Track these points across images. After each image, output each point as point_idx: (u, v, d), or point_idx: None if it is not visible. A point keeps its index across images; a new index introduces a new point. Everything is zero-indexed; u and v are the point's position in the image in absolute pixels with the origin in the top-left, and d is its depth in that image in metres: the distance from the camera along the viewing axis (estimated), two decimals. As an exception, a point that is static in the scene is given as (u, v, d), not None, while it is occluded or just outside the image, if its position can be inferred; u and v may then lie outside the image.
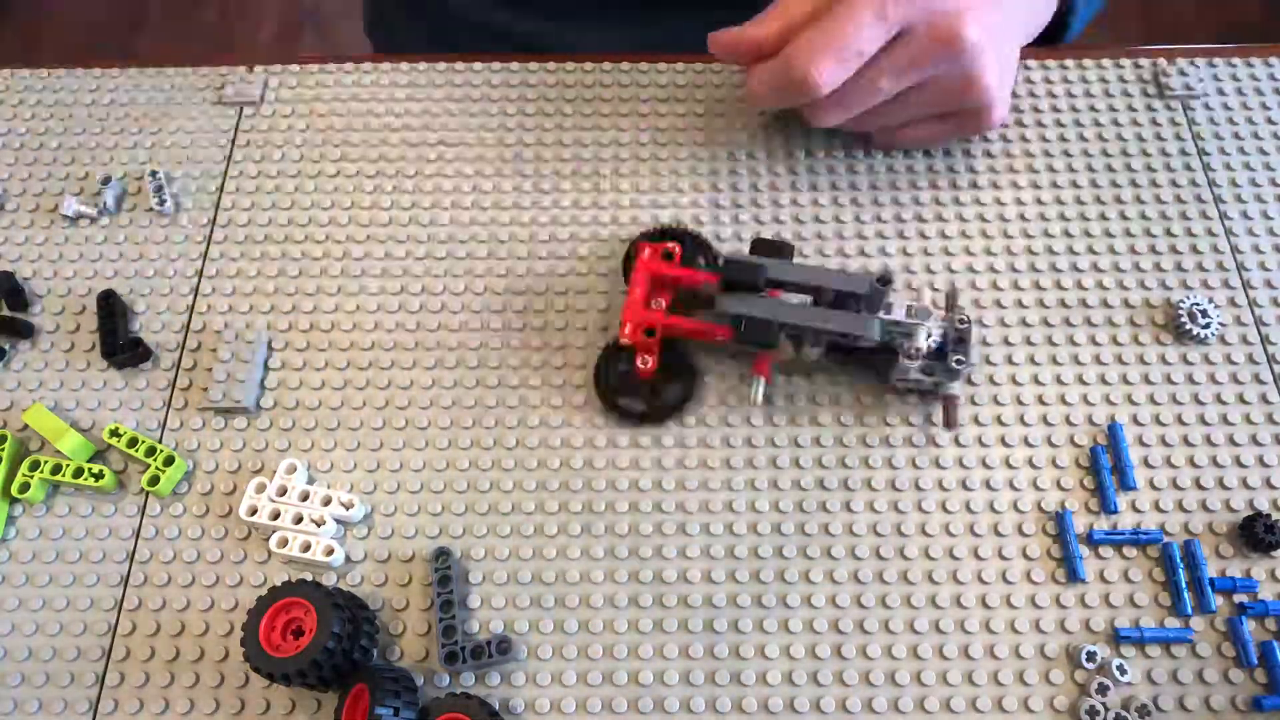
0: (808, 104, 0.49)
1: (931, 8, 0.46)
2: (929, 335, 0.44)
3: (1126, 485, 0.45)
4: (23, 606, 0.43)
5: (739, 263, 0.45)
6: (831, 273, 0.45)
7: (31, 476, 0.44)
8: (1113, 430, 0.46)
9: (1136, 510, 0.45)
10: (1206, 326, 0.48)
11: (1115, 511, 0.44)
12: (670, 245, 0.47)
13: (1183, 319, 0.48)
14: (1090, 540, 0.44)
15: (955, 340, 0.44)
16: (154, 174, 0.53)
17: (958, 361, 0.44)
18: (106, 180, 0.53)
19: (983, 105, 0.49)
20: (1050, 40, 0.59)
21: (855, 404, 0.47)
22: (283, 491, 0.44)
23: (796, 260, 0.48)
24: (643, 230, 0.51)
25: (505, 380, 0.48)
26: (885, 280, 0.43)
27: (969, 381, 0.47)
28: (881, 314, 0.44)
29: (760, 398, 0.45)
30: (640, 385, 0.46)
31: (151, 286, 0.51)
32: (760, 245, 0.47)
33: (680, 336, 0.46)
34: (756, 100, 0.49)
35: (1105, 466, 0.45)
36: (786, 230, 0.52)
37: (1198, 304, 0.48)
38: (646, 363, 0.46)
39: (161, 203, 0.53)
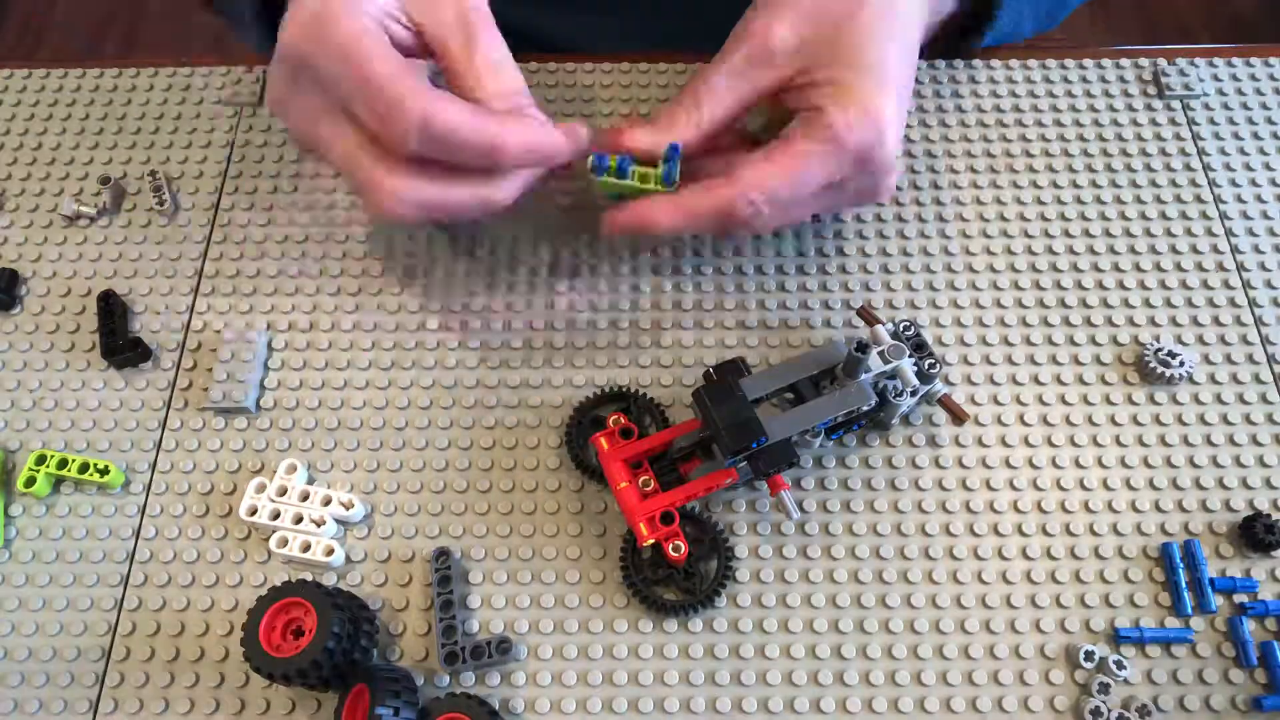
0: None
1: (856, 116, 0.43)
2: (914, 364, 0.44)
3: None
4: (23, 606, 0.43)
5: (722, 399, 0.41)
6: (801, 363, 0.43)
7: (38, 471, 0.44)
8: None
9: (1137, 510, 0.45)
10: (1181, 365, 0.47)
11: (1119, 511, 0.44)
12: (618, 419, 0.43)
13: (1148, 359, 0.48)
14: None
15: (914, 348, 0.44)
16: (154, 174, 0.53)
17: (930, 366, 0.43)
18: (106, 180, 0.53)
19: (883, 179, 0.45)
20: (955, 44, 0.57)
21: (855, 404, 0.47)
22: (283, 491, 0.44)
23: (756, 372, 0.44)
24: (577, 405, 0.46)
25: (506, 380, 0.48)
26: (863, 348, 0.42)
27: (947, 381, 0.47)
28: (863, 374, 0.43)
29: (796, 511, 0.42)
30: (674, 573, 0.42)
31: (151, 286, 0.51)
32: (718, 373, 0.43)
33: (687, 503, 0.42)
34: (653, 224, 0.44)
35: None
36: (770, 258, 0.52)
37: (1168, 350, 0.48)
38: (679, 549, 0.41)
39: (161, 203, 0.53)
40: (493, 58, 0.43)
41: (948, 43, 0.56)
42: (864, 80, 0.43)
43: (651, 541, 0.41)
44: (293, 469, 0.45)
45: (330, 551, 0.43)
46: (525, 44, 0.45)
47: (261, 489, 0.44)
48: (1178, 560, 0.43)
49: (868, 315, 0.46)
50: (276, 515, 0.44)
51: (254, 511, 0.44)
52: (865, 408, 0.42)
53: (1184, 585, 0.42)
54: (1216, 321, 0.49)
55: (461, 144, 0.40)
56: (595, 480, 0.45)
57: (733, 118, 0.45)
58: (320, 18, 0.41)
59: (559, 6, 0.65)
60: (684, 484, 0.42)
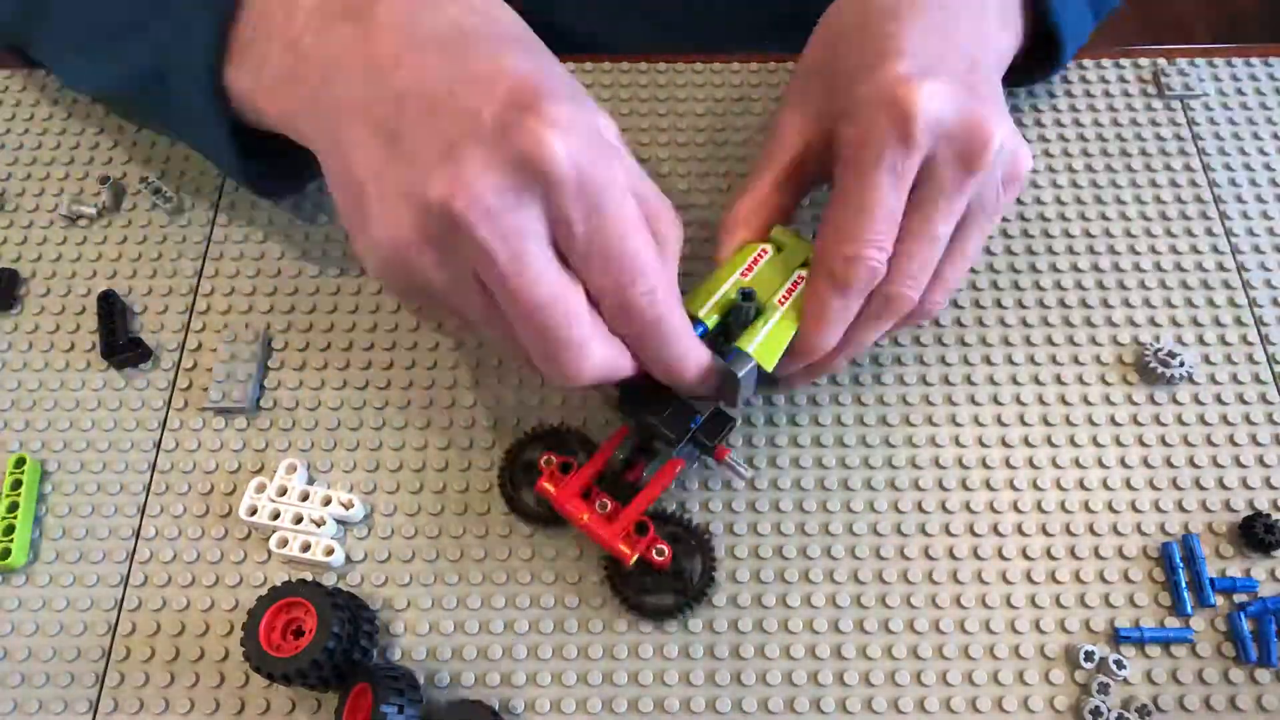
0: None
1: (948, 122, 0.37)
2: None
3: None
4: (23, 607, 0.43)
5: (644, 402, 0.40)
6: None
7: None
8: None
9: (1137, 510, 0.45)
10: (1181, 365, 0.47)
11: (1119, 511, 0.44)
12: (552, 458, 0.43)
13: (1148, 359, 0.48)
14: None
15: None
16: (153, 175, 0.53)
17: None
18: (106, 180, 0.53)
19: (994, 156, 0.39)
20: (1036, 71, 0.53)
21: (855, 404, 0.47)
22: (283, 491, 0.44)
23: None
24: (505, 451, 0.45)
25: (506, 379, 0.48)
26: (748, 295, 0.40)
27: (947, 381, 0.47)
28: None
29: (746, 470, 0.42)
30: (663, 576, 0.42)
31: (151, 286, 0.51)
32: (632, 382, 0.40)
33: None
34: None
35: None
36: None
37: (1168, 349, 0.48)
38: (663, 553, 0.41)
39: (166, 201, 0.53)
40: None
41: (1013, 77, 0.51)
42: (874, 73, 0.39)
43: (636, 556, 0.41)
44: (293, 469, 0.45)
45: (330, 551, 0.43)
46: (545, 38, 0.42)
47: (261, 489, 0.44)
48: (1177, 560, 0.43)
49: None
50: (276, 515, 0.44)
51: (254, 511, 0.44)
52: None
53: (1184, 585, 0.42)
54: (1216, 321, 0.49)
55: (679, 369, 0.38)
56: (542, 524, 0.44)
57: (772, 208, 0.43)
58: (604, 149, 0.33)
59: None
60: (639, 490, 0.41)
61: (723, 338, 0.41)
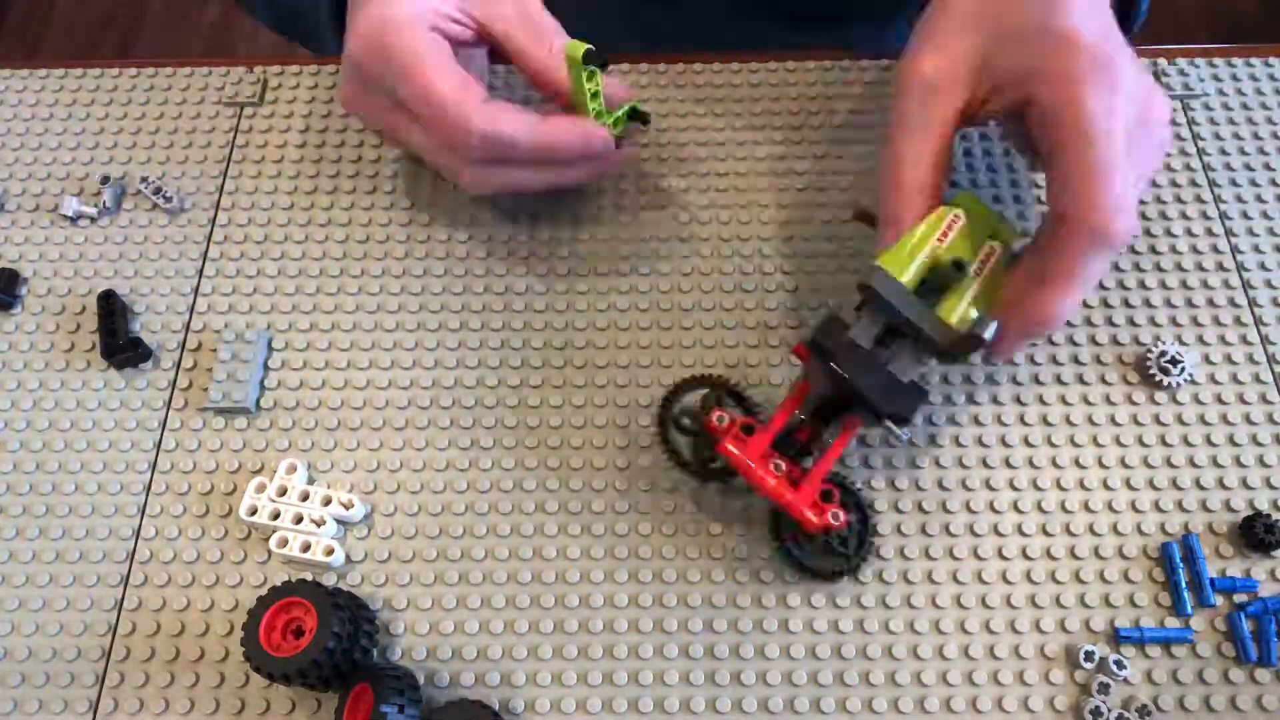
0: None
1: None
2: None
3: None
4: (23, 607, 0.43)
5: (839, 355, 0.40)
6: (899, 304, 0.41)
7: None
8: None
9: (1137, 510, 0.45)
10: (1181, 372, 0.47)
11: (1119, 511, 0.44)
12: (724, 415, 0.43)
13: (1149, 366, 0.48)
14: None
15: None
16: (153, 175, 0.53)
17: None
18: (106, 180, 0.53)
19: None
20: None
21: (855, 404, 0.47)
22: (283, 491, 0.44)
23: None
24: (663, 397, 0.46)
25: (505, 380, 0.48)
26: (961, 265, 0.41)
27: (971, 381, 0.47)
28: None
29: (905, 432, 0.42)
30: (830, 539, 0.42)
31: (151, 286, 0.51)
32: (824, 336, 0.41)
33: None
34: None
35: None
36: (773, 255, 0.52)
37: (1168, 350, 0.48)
38: (838, 517, 0.41)
39: (166, 201, 0.53)
40: (556, 45, 0.46)
41: None
42: (1057, 34, 0.40)
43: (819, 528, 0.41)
44: (293, 469, 0.45)
45: (330, 551, 0.43)
46: None
47: (261, 489, 0.44)
48: (1177, 560, 0.43)
49: (865, 214, 0.44)
50: (276, 515, 0.44)
51: (254, 511, 0.44)
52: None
53: (1184, 585, 0.42)
54: (1216, 321, 0.49)
55: (521, 152, 0.45)
56: (722, 479, 0.44)
57: (943, 168, 0.42)
58: (381, 30, 0.44)
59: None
60: (817, 456, 0.42)
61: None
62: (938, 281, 0.41)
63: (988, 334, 0.40)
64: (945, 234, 0.41)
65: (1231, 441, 0.46)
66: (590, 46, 0.44)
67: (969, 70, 0.42)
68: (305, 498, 0.44)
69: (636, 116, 0.49)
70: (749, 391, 0.46)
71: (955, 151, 0.43)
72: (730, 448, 0.41)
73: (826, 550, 0.43)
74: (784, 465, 0.41)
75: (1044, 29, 0.40)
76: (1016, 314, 0.40)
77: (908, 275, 0.40)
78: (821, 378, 0.41)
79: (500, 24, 0.47)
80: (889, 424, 0.41)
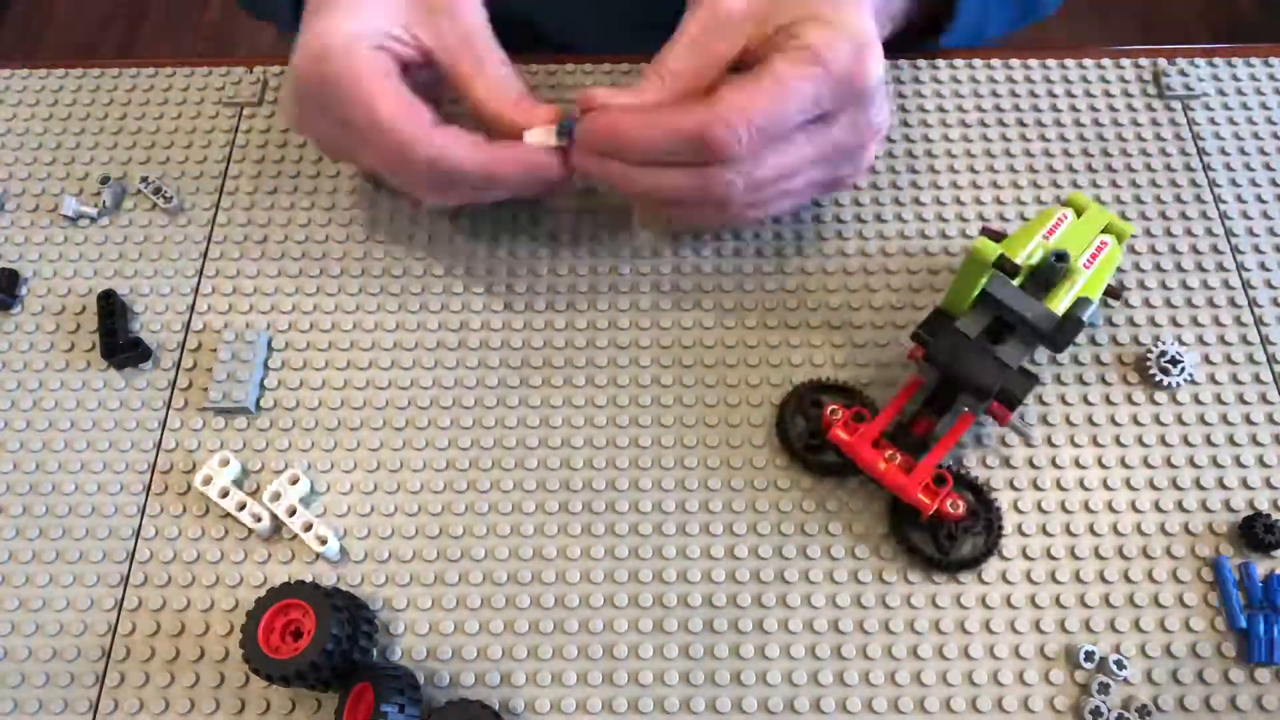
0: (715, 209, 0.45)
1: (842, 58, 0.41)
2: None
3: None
4: (23, 607, 0.43)
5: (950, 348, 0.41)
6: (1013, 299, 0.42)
7: None
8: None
9: (1137, 510, 0.45)
10: (1181, 373, 0.47)
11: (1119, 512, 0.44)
12: (838, 409, 0.43)
13: (1149, 366, 0.48)
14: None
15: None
16: (153, 175, 0.53)
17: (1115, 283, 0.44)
18: (106, 180, 0.53)
19: (873, 114, 0.44)
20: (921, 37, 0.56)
21: (855, 404, 0.47)
22: (276, 497, 0.44)
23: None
24: (788, 394, 0.46)
25: (505, 380, 0.48)
26: (1062, 257, 0.41)
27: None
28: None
29: (1032, 430, 0.45)
30: (940, 527, 0.43)
31: (151, 286, 0.51)
32: (932, 330, 0.43)
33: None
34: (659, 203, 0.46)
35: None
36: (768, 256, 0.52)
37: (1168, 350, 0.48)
38: (958, 507, 0.42)
39: (166, 201, 0.53)
40: (497, 75, 0.46)
41: (904, 43, 0.55)
42: (837, 10, 0.42)
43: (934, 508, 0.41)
44: (295, 479, 0.45)
45: (320, 537, 0.43)
46: (515, 33, 0.48)
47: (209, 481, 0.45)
48: (1228, 572, 0.43)
49: (992, 233, 0.45)
50: (242, 506, 0.44)
51: (209, 481, 0.44)
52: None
53: (1237, 602, 0.42)
54: (1216, 321, 0.49)
55: (466, 178, 0.44)
56: (832, 474, 0.45)
57: (697, 90, 0.44)
58: (325, 54, 0.43)
59: None
60: (927, 443, 0.43)
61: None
62: (1044, 276, 0.42)
63: (1086, 316, 0.41)
64: (1053, 230, 0.44)
65: (1231, 441, 0.46)
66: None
67: (744, 18, 0.44)
68: (292, 512, 0.44)
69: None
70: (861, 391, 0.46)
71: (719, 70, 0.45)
72: (840, 433, 0.42)
73: (933, 540, 0.43)
74: (899, 456, 0.42)
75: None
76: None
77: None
78: (930, 369, 0.43)
79: (441, 52, 0.45)
80: (1014, 423, 0.42)
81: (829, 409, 0.44)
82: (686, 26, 0.45)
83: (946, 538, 0.43)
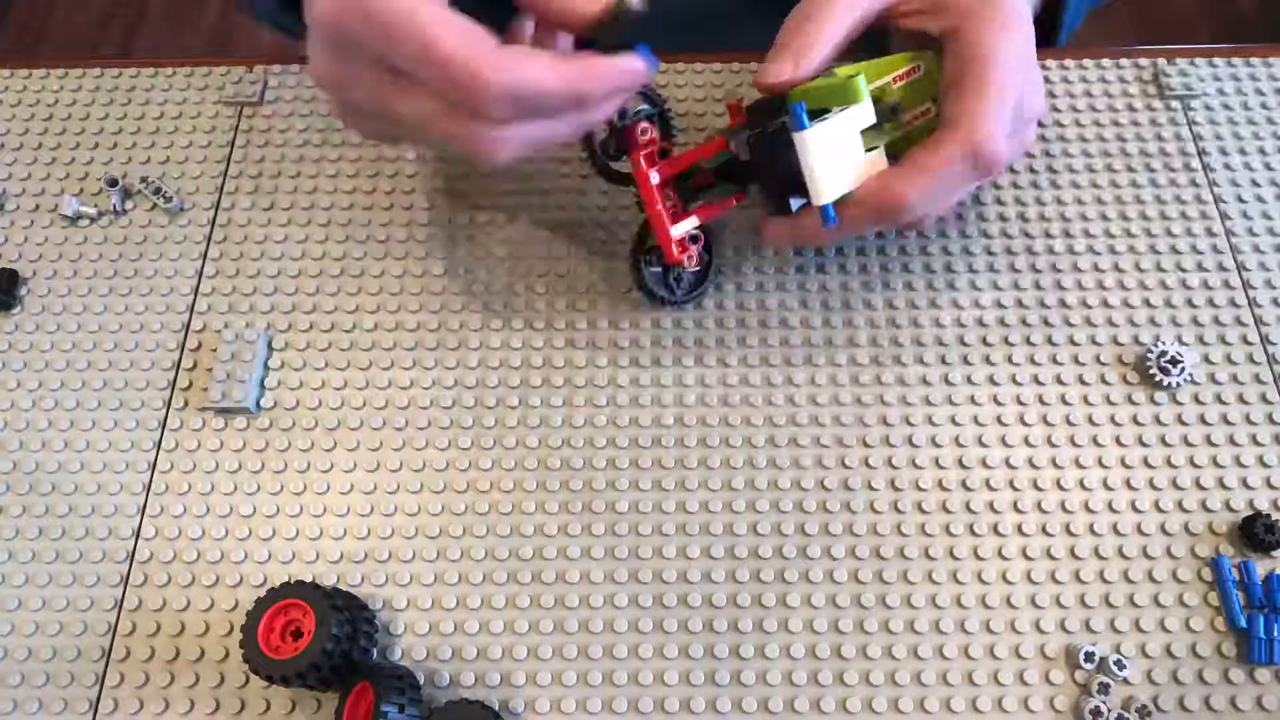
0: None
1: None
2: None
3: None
4: (23, 607, 0.43)
5: (759, 107, 0.43)
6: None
7: None
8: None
9: (1137, 510, 0.45)
10: (1181, 373, 0.47)
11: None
12: (649, 129, 0.44)
13: (1150, 366, 0.48)
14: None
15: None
16: (153, 175, 0.53)
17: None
18: (113, 182, 0.53)
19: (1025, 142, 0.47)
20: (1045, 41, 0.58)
21: (855, 404, 0.47)
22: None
23: None
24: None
25: (506, 380, 0.48)
26: (895, 110, 0.44)
27: (946, 381, 0.48)
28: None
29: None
30: (670, 270, 0.47)
31: (151, 286, 0.51)
32: (763, 109, 0.43)
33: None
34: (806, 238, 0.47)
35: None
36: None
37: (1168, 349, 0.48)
38: (691, 260, 0.46)
39: (166, 201, 0.53)
40: None
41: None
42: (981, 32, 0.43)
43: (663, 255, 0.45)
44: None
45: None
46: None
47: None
48: (1227, 572, 0.43)
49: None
50: None
51: None
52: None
53: (1237, 601, 0.42)
54: (1216, 321, 0.49)
55: (550, 102, 0.38)
56: (615, 182, 0.48)
57: (841, 48, 0.45)
58: None
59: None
60: (699, 205, 0.46)
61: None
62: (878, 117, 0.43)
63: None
64: (903, 76, 0.44)
65: (1231, 441, 0.46)
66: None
67: None
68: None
69: None
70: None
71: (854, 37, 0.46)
72: (641, 161, 0.44)
73: (663, 280, 0.47)
74: (673, 199, 0.45)
75: None
76: (869, 190, 0.43)
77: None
78: (741, 141, 0.44)
79: None
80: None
81: (640, 126, 0.44)
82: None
83: (675, 280, 0.48)
